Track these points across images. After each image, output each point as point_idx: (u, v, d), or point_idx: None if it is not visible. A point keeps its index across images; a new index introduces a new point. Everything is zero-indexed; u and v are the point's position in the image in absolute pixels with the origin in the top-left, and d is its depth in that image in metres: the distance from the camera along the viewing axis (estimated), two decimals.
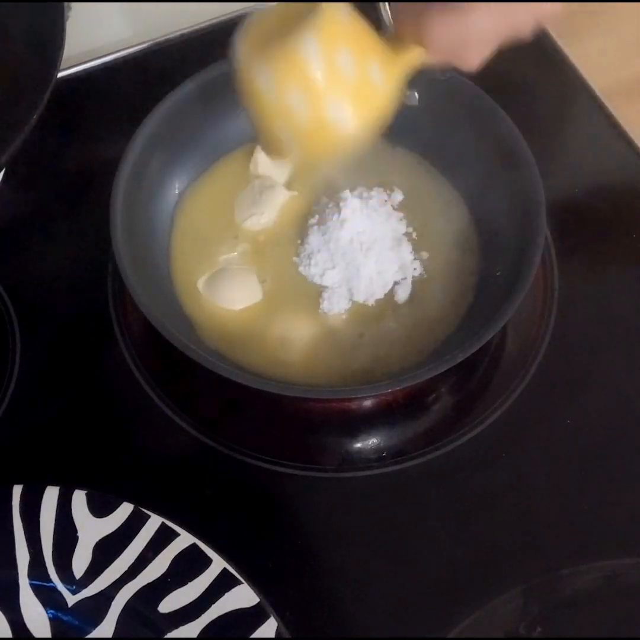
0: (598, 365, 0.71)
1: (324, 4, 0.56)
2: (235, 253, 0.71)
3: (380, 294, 0.69)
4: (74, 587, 0.61)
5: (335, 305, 0.69)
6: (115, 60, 0.84)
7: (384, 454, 0.68)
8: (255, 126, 0.59)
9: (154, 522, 0.62)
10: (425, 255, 0.71)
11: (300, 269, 0.70)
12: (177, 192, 0.73)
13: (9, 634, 0.60)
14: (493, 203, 0.70)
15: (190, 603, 0.60)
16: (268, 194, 0.72)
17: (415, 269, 0.70)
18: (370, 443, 0.69)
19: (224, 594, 0.60)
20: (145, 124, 0.70)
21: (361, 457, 0.68)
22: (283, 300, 0.70)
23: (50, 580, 0.61)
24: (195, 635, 0.59)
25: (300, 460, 0.67)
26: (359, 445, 0.69)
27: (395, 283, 0.70)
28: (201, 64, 0.71)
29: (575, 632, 0.61)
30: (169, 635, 0.60)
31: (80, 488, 0.63)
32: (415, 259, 0.70)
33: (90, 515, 0.62)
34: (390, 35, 0.58)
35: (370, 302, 0.69)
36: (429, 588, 0.63)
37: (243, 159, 0.74)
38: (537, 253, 0.65)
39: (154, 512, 0.62)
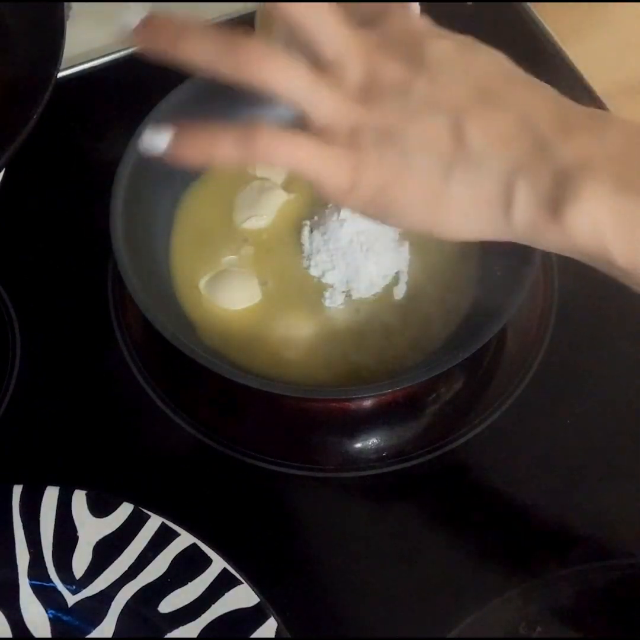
0: (598, 365, 0.71)
1: None
2: (237, 254, 0.71)
3: (379, 291, 0.69)
4: (74, 587, 0.61)
5: (336, 305, 0.69)
6: (115, 60, 0.83)
7: (384, 454, 0.68)
8: None
9: (154, 522, 0.62)
10: (425, 255, 0.71)
11: (301, 269, 0.70)
12: (177, 192, 0.73)
13: (9, 634, 0.60)
14: None
15: (190, 603, 0.60)
16: (267, 195, 0.72)
17: (415, 269, 0.70)
18: (370, 443, 0.69)
19: (224, 594, 0.60)
20: (146, 124, 0.70)
21: (361, 457, 0.68)
22: (284, 301, 0.70)
23: (50, 580, 0.61)
24: (195, 635, 0.59)
25: (300, 460, 0.67)
26: (359, 445, 0.69)
27: (393, 280, 0.70)
28: None
29: (575, 632, 0.61)
30: (169, 635, 0.60)
31: (80, 488, 0.63)
32: (415, 259, 0.70)
33: (90, 515, 0.62)
34: None
35: (370, 299, 0.69)
36: (428, 588, 0.63)
37: None
38: (537, 253, 0.65)
39: (154, 512, 0.62)
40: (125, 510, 0.62)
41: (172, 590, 0.60)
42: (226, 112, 0.72)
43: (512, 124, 0.47)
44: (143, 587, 0.61)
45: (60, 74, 0.65)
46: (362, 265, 0.69)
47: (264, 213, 0.72)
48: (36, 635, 0.61)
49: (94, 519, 0.62)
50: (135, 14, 0.49)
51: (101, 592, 0.61)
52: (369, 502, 0.67)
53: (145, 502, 0.63)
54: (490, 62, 0.50)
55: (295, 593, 0.63)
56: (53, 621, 0.61)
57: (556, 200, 0.45)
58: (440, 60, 0.48)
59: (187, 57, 0.48)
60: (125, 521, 0.62)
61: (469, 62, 0.49)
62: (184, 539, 0.62)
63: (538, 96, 0.49)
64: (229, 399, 0.70)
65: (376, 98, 0.48)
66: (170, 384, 0.70)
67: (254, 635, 0.59)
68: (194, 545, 0.61)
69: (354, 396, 0.67)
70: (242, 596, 0.60)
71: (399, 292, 0.70)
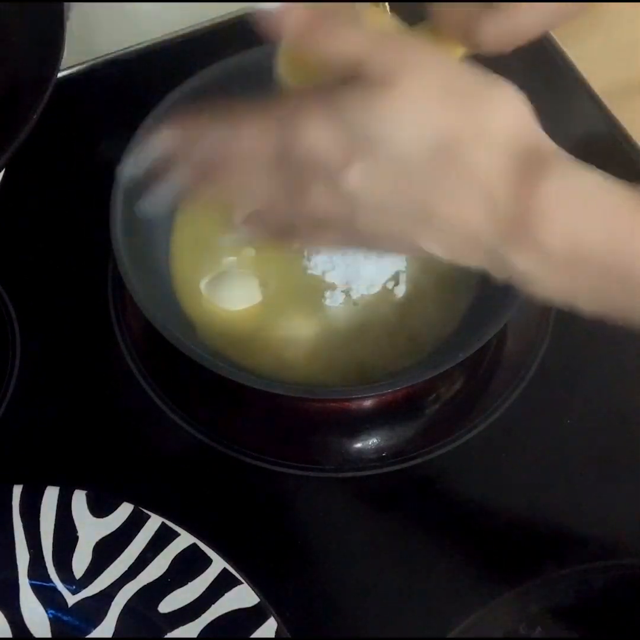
0: (598, 365, 0.71)
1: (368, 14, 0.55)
2: (238, 255, 0.71)
3: (379, 290, 0.70)
4: (74, 587, 0.61)
5: (337, 305, 0.69)
6: (115, 60, 0.83)
7: (384, 454, 0.68)
8: None
9: (154, 522, 0.62)
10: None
11: (301, 269, 0.70)
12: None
13: (9, 634, 0.60)
14: None
15: (190, 603, 0.60)
16: None
17: (415, 269, 0.70)
18: (370, 443, 0.69)
19: (224, 594, 0.60)
20: (146, 124, 0.70)
21: (361, 457, 0.68)
22: (284, 301, 0.70)
23: (50, 580, 0.61)
24: (195, 635, 0.59)
25: (300, 460, 0.67)
26: (359, 445, 0.69)
27: (393, 280, 0.70)
28: (201, 64, 0.71)
29: (575, 633, 0.61)
30: (169, 635, 0.60)
31: (80, 488, 0.63)
32: (415, 259, 0.70)
33: (90, 515, 0.62)
34: (427, 33, 0.57)
35: (371, 299, 0.69)
36: (429, 588, 0.63)
37: None
38: None
39: (154, 512, 0.62)
40: (125, 510, 0.62)
41: (172, 590, 0.60)
42: None
43: (464, 243, 0.48)
44: (143, 587, 0.61)
45: (60, 74, 0.65)
46: (362, 265, 0.69)
47: None
48: (36, 635, 0.61)
49: (94, 519, 0.62)
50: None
51: (101, 592, 0.61)
52: (369, 502, 0.67)
53: (145, 502, 0.63)
54: (405, 168, 0.47)
55: (295, 593, 0.63)
56: (53, 621, 0.61)
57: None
58: (357, 190, 0.47)
59: None
60: (125, 521, 0.62)
61: (385, 182, 0.47)
62: (184, 539, 0.62)
63: (476, 202, 0.47)
64: (229, 399, 0.70)
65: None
66: (170, 384, 0.70)
67: (254, 635, 0.59)
68: (194, 545, 0.61)
69: (354, 396, 0.67)
70: (242, 596, 0.60)
71: (399, 291, 0.70)
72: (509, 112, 0.47)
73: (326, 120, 0.47)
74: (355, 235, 0.50)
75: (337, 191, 0.47)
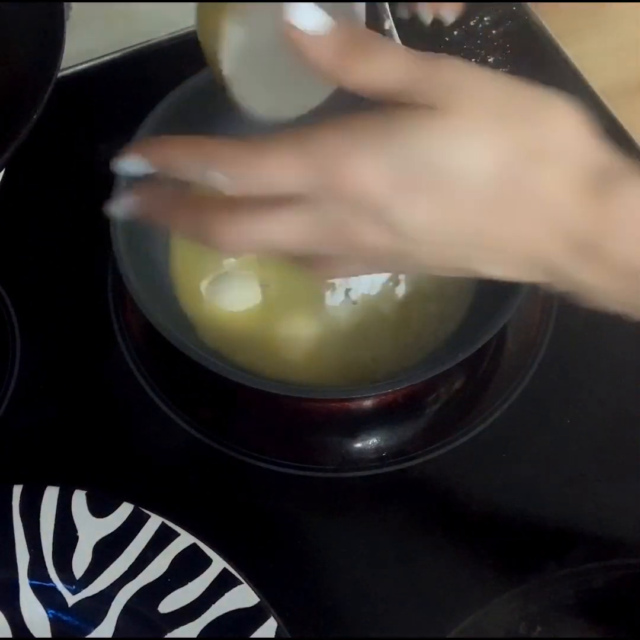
0: (598, 365, 0.71)
1: None
2: (238, 257, 0.71)
3: (379, 290, 0.70)
4: (74, 587, 0.61)
5: (337, 305, 0.69)
6: (115, 60, 0.84)
7: (384, 454, 0.68)
8: None
9: (154, 522, 0.62)
10: None
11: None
12: None
13: (9, 634, 0.60)
14: None
15: (190, 603, 0.60)
16: None
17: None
18: (370, 443, 0.69)
19: (224, 594, 0.60)
20: (146, 124, 0.70)
21: (361, 457, 0.68)
22: (285, 301, 0.70)
23: (50, 580, 0.61)
24: (195, 635, 0.59)
25: (300, 460, 0.67)
26: (359, 445, 0.69)
27: (393, 279, 0.70)
28: (201, 64, 0.71)
29: (575, 632, 0.61)
30: (169, 635, 0.60)
31: (80, 488, 0.63)
32: None
33: (90, 515, 0.62)
34: None
35: (371, 299, 0.69)
36: (428, 588, 0.63)
37: None
38: None
39: (154, 512, 0.62)
40: (125, 510, 0.62)
41: (172, 590, 0.60)
42: (226, 112, 0.72)
43: (525, 263, 0.47)
44: (143, 587, 0.61)
45: (60, 74, 0.65)
46: None
47: None
48: (36, 635, 0.61)
49: (94, 519, 0.62)
50: None
51: (101, 592, 0.61)
52: (369, 502, 0.67)
53: (145, 502, 0.63)
54: (468, 195, 0.44)
55: (295, 593, 0.63)
56: (53, 621, 0.61)
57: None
58: (416, 228, 0.44)
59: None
60: (125, 521, 0.62)
61: (447, 214, 0.44)
62: (184, 539, 0.62)
63: (542, 222, 0.45)
64: (229, 399, 0.70)
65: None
66: (170, 384, 0.70)
67: (254, 635, 0.59)
68: (194, 545, 0.61)
69: (354, 396, 0.67)
70: (242, 596, 0.60)
71: (400, 291, 0.70)
72: (569, 128, 0.45)
73: (375, 154, 0.43)
74: (404, 266, 0.48)
75: (391, 228, 0.44)
